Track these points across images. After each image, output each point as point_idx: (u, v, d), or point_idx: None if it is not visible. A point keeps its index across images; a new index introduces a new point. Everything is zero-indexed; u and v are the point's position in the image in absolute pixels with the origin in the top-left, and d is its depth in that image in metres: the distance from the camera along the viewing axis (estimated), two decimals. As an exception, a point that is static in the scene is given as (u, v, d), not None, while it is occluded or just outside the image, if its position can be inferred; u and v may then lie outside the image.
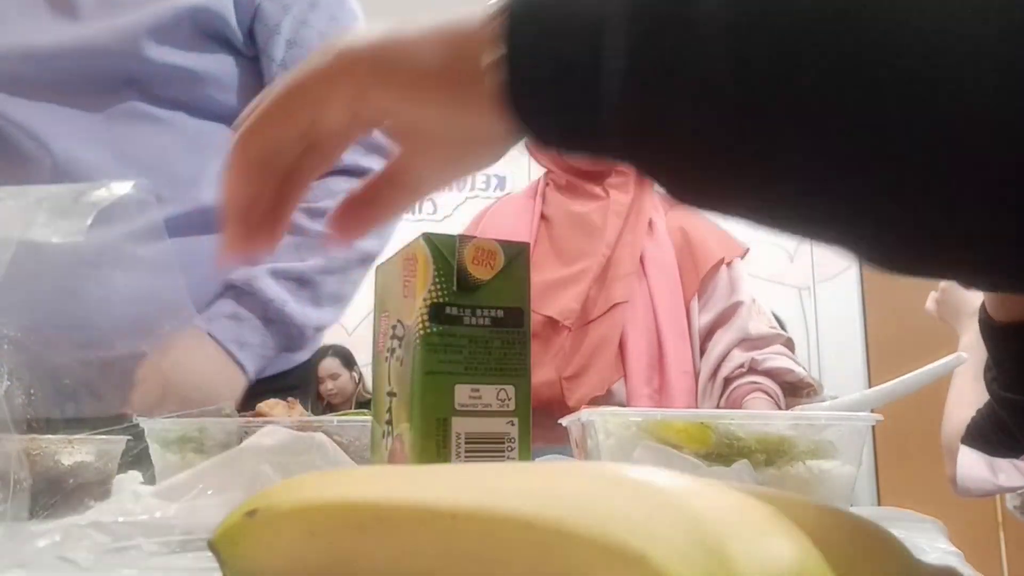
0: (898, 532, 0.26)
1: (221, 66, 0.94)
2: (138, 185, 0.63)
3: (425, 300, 0.42)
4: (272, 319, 0.92)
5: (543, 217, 1.51)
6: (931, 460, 1.55)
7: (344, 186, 0.96)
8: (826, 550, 0.23)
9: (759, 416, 0.64)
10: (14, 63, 0.91)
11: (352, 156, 0.97)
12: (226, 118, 0.94)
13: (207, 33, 0.92)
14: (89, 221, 0.51)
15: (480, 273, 0.43)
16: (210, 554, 0.28)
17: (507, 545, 0.22)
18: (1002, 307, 0.66)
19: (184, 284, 0.74)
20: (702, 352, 1.40)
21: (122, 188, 0.59)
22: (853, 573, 0.23)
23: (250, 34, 0.96)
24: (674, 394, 1.33)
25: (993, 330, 0.67)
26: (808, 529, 0.23)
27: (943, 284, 1.57)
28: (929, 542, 0.51)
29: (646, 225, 1.45)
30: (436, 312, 0.42)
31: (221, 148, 0.92)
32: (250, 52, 0.97)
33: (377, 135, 1.06)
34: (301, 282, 0.93)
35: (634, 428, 0.56)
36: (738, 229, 1.69)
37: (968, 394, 1.42)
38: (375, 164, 0.98)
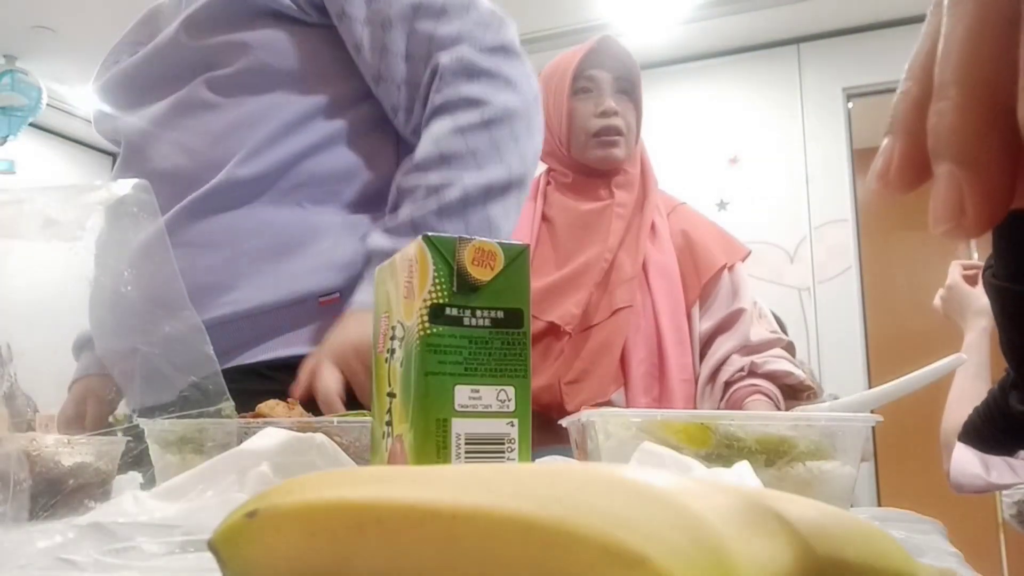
0: (898, 532, 0.26)
1: (275, 36, 0.98)
2: (138, 185, 0.63)
3: (425, 301, 0.42)
4: None
5: (544, 218, 1.48)
6: (931, 460, 1.55)
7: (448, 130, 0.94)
8: (825, 551, 0.23)
9: (759, 417, 0.64)
10: (118, 81, 1.05)
11: (458, 85, 0.95)
12: (286, 83, 0.99)
13: (254, 11, 0.98)
14: (89, 222, 0.51)
15: (480, 274, 0.43)
16: (210, 555, 0.28)
17: (507, 545, 0.22)
18: None
19: (183, 285, 0.73)
20: (702, 357, 1.39)
21: (122, 188, 0.59)
22: (851, 574, 0.23)
23: (317, 6, 0.98)
24: (674, 402, 1.32)
25: None
26: (807, 530, 0.23)
27: (949, 281, 1.57)
28: (929, 542, 0.51)
29: (649, 228, 1.43)
30: (436, 313, 0.42)
31: (268, 122, 0.96)
32: (313, 20, 1.00)
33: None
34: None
35: (634, 429, 0.56)
36: (739, 232, 1.67)
37: (968, 392, 1.43)
38: (478, 91, 0.95)
